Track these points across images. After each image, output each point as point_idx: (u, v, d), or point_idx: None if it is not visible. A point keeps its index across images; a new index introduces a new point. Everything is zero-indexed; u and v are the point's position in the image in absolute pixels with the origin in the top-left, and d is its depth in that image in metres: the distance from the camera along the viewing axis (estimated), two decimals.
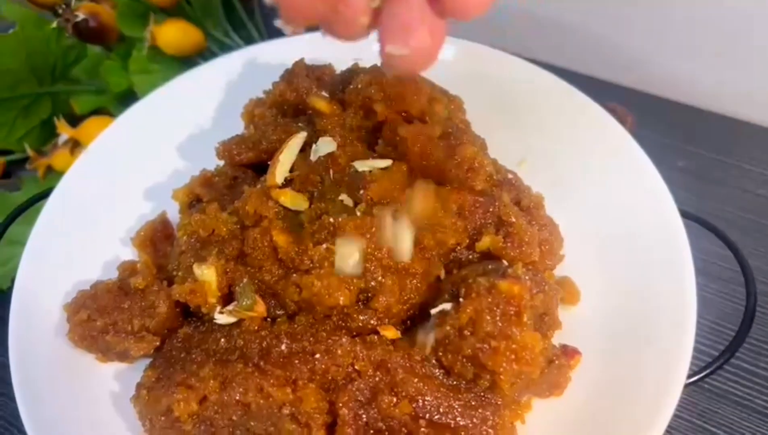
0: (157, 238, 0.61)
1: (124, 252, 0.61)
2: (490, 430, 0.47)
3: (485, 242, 0.53)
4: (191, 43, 0.77)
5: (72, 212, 0.62)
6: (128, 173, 0.66)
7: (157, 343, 0.54)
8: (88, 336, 0.54)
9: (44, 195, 0.64)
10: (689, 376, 0.50)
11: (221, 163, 0.63)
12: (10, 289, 0.56)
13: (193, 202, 0.61)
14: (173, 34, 0.76)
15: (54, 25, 0.71)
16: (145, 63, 0.76)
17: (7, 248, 0.73)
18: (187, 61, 0.77)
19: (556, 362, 0.52)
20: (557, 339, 0.54)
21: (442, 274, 0.53)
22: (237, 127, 0.66)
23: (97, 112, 0.78)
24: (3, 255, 0.73)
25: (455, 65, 0.65)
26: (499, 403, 0.48)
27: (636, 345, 0.53)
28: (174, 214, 0.63)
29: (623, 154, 0.63)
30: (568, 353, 0.54)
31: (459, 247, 0.54)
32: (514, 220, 0.54)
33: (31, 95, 0.75)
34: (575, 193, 0.63)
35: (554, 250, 0.57)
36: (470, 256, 0.54)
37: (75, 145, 0.75)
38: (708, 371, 0.52)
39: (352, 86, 0.56)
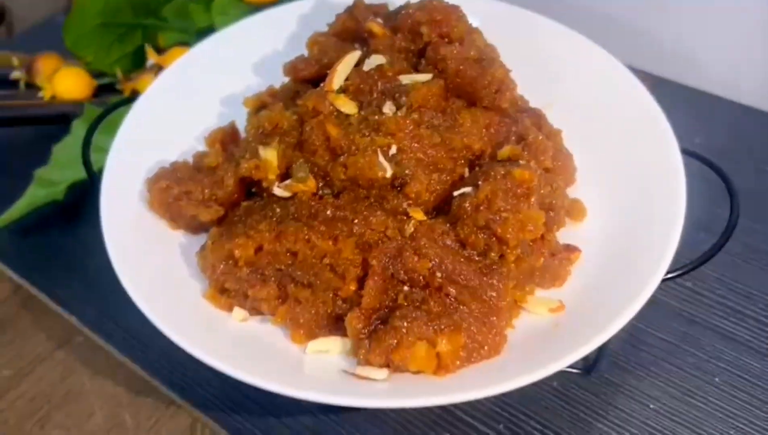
0: (226, 139, 0.72)
1: (199, 148, 0.72)
2: (493, 293, 0.56)
3: (506, 151, 0.62)
4: None
5: (155, 115, 0.73)
6: (204, 88, 0.77)
7: (222, 213, 0.64)
8: (165, 202, 0.64)
9: (129, 100, 0.76)
10: (669, 273, 0.58)
11: (286, 82, 0.74)
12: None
13: (260, 108, 0.71)
14: None
15: None
16: (226, 6, 0.88)
17: (93, 154, 0.85)
18: (261, 9, 0.88)
19: (558, 256, 0.61)
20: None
21: (466, 173, 0.62)
22: None
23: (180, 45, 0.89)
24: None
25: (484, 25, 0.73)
26: (504, 274, 0.57)
27: (630, 249, 0.61)
28: (242, 125, 0.73)
29: (636, 101, 0.71)
30: (570, 249, 0.62)
31: (483, 155, 0.63)
32: (532, 135, 0.63)
33: (127, 25, 0.87)
34: (589, 133, 0.72)
35: (567, 169, 0.66)
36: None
37: (159, 71, 0.86)
38: (686, 270, 0.59)
39: (403, 11, 0.66)
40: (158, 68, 0.86)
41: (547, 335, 0.57)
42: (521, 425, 0.63)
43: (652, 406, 0.66)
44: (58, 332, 0.80)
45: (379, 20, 0.68)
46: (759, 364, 0.68)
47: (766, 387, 0.67)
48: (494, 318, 0.55)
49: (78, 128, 0.85)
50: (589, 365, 0.68)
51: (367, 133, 0.61)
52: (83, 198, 0.85)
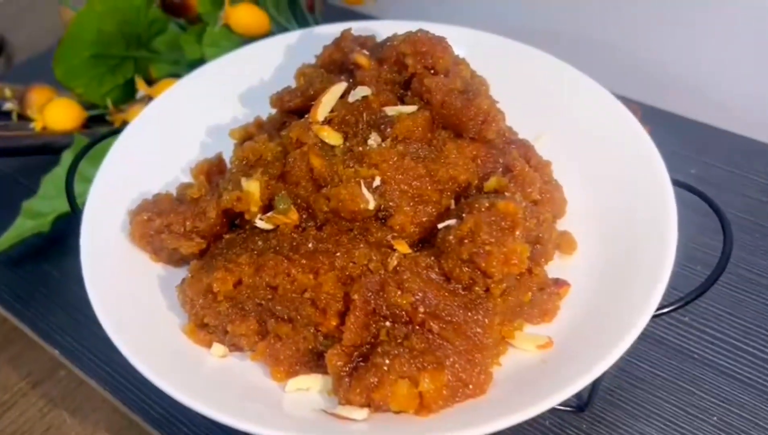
0: (212, 171, 0.71)
1: (184, 179, 0.71)
2: (478, 329, 0.54)
3: (492, 183, 0.60)
4: (258, 25, 0.88)
5: (141, 145, 0.72)
6: (191, 120, 0.76)
7: (204, 245, 0.63)
8: (146, 234, 0.63)
9: (117, 131, 0.75)
10: (663, 307, 0.56)
11: (273, 113, 0.73)
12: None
13: (246, 139, 0.71)
14: (244, 15, 0.87)
15: None
16: (217, 38, 0.88)
17: (78, 184, 0.84)
18: (252, 41, 0.89)
19: (547, 290, 0.59)
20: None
21: (452, 205, 0.61)
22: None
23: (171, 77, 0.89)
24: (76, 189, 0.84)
25: (473, 55, 0.72)
26: (489, 309, 0.55)
27: (620, 282, 0.60)
28: (229, 157, 0.73)
29: (626, 132, 0.70)
30: (559, 284, 0.60)
31: (469, 187, 0.62)
32: (519, 166, 0.62)
33: (119, 57, 0.87)
34: (579, 165, 0.70)
35: (556, 201, 0.65)
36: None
37: (149, 102, 0.86)
38: (680, 304, 0.58)
39: (388, 43, 0.65)
40: (148, 99, 0.86)
41: (534, 373, 0.55)
42: None
43: None
44: (42, 365, 0.79)
45: (366, 52, 0.67)
46: (757, 401, 0.66)
47: (765, 426, 0.64)
48: (479, 355, 0.53)
49: (67, 159, 0.85)
50: (582, 403, 0.66)
51: (351, 165, 0.60)
52: (70, 230, 0.85)
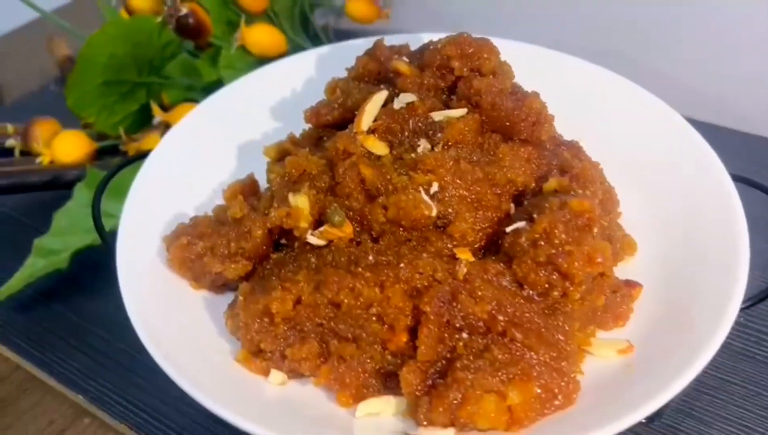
0: (245, 192, 0.67)
1: (216, 202, 0.67)
2: (560, 337, 0.51)
3: (552, 184, 0.58)
4: (275, 44, 0.86)
5: (169, 170, 0.69)
6: (216, 141, 0.73)
7: (250, 267, 0.59)
8: (186, 259, 0.59)
9: (137, 159, 0.72)
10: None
11: (305, 129, 0.70)
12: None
13: (282, 156, 0.67)
14: (260, 35, 0.85)
15: (159, 19, 0.80)
16: (233, 60, 0.85)
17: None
18: (269, 62, 0.86)
19: (620, 293, 0.56)
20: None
21: (512, 210, 0.58)
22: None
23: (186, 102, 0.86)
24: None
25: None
26: (568, 314, 0.52)
27: (690, 283, 0.57)
28: (260, 176, 0.69)
29: (670, 127, 0.68)
30: (630, 285, 0.57)
31: (526, 190, 0.59)
32: (578, 165, 0.59)
33: (131, 83, 0.84)
34: (628, 165, 0.68)
35: (612, 201, 0.62)
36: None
37: (166, 129, 0.82)
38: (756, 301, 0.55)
39: (432, 47, 0.63)
40: (165, 126, 0.83)
41: (620, 379, 0.52)
42: None
43: None
44: (64, 414, 0.73)
45: (405, 59, 0.65)
46: None
47: None
48: (565, 363, 0.49)
49: (81, 193, 0.80)
50: (651, 414, 0.63)
51: (403, 172, 0.57)
52: (86, 267, 0.80)
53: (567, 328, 0.51)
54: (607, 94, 0.74)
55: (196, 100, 0.86)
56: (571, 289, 0.51)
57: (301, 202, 0.57)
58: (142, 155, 0.70)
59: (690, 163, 0.65)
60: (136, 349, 0.71)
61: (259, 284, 0.56)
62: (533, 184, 0.59)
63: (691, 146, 0.66)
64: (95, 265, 0.81)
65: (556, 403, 0.49)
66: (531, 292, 0.52)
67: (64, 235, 0.78)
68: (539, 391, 0.48)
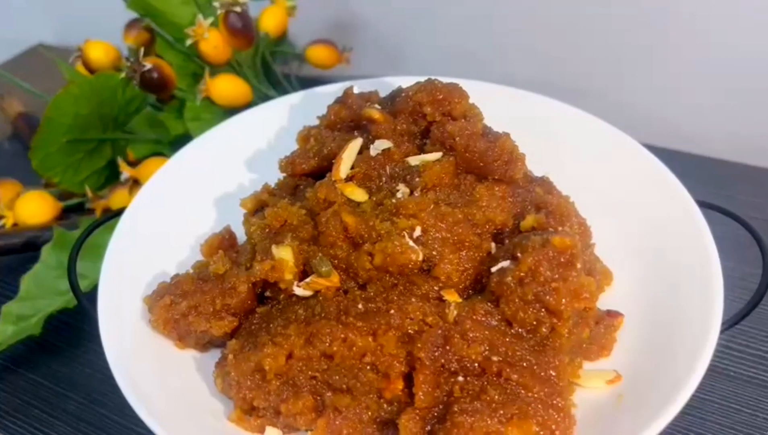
0: (223, 246, 0.67)
1: (195, 258, 0.67)
2: (552, 372, 0.51)
3: (529, 221, 0.59)
4: (240, 94, 0.86)
5: (144, 226, 0.68)
6: (190, 195, 0.72)
7: (236, 324, 0.58)
8: (171, 319, 0.58)
9: (110, 218, 0.70)
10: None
11: (280, 178, 0.70)
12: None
13: (258, 208, 0.67)
14: (225, 86, 0.85)
15: (123, 75, 0.80)
16: (199, 111, 0.85)
17: (63, 280, 0.78)
18: (235, 112, 0.86)
19: (603, 323, 0.58)
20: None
21: (493, 249, 0.59)
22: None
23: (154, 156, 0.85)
24: (62, 285, 0.77)
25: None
26: (557, 349, 0.53)
27: (669, 309, 0.59)
28: (237, 229, 0.69)
29: (635, 158, 0.71)
30: (612, 315, 0.59)
31: (505, 229, 0.61)
32: (554, 202, 0.61)
33: (96, 140, 0.83)
34: (596, 197, 0.70)
35: (587, 234, 0.64)
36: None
37: (134, 185, 0.82)
38: (732, 323, 0.57)
39: (403, 94, 0.64)
40: (133, 181, 0.82)
41: (612, 410, 0.53)
42: None
43: None
44: None
45: (377, 106, 0.66)
46: None
47: None
48: (559, 399, 0.50)
49: (49, 254, 0.79)
50: None
51: (386, 218, 0.57)
52: (58, 332, 0.78)
53: (557, 363, 0.52)
54: (571, 129, 0.76)
55: (163, 154, 0.86)
56: (559, 324, 0.52)
57: (285, 253, 0.57)
58: (116, 213, 0.69)
59: (656, 192, 0.67)
60: (118, 413, 0.70)
61: (248, 340, 0.56)
62: (511, 222, 0.61)
63: (655, 175, 0.68)
64: (68, 329, 0.79)
65: None
66: (520, 329, 0.53)
67: (34, 299, 0.76)
68: (537, 428, 0.48)
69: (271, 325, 0.56)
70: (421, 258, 0.55)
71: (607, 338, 0.58)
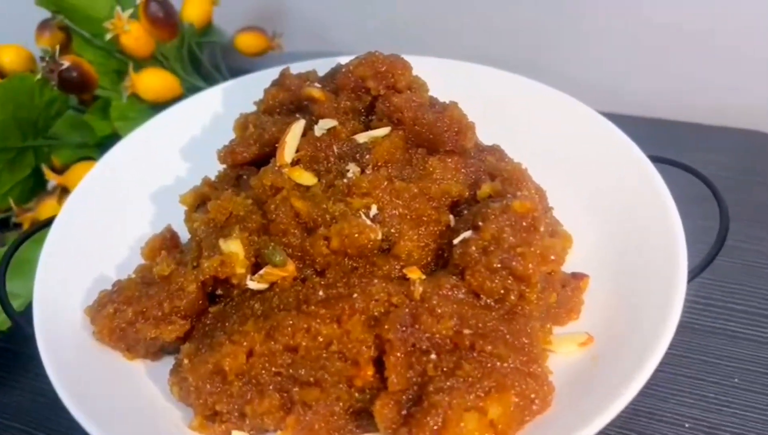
0: (165, 246, 0.63)
1: (135, 260, 0.62)
2: (525, 339, 0.50)
3: (485, 189, 0.57)
4: (168, 88, 0.82)
5: (78, 233, 0.63)
6: (123, 197, 0.68)
7: (188, 327, 0.54)
8: (116, 329, 0.54)
9: (39, 229, 0.65)
10: None
11: (221, 170, 0.66)
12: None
13: (199, 204, 0.63)
14: (151, 80, 0.80)
15: (39, 76, 0.74)
16: (125, 110, 0.80)
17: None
18: (164, 107, 0.81)
19: (569, 286, 0.57)
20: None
21: (452, 222, 0.57)
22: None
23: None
24: None
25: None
26: (527, 316, 0.51)
27: (633, 266, 0.58)
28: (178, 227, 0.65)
29: (584, 121, 0.70)
30: (577, 277, 0.58)
31: (461, 200, 0.59)
32: (508, 169, 0.59)
33: (15, 149, 0.77)
34: (548, 162, 0.69)
35: (544, 198, 0.63)
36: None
37: (63, 193, 0.76)
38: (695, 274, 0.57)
39: (344, 69, 0.62)
40: (61, 189, 0.76)
41: (589, 374, 0.51)
42: None
43: (687, 425, 0.62)
44: None
45: (317, 85, 0.63)
46: None
47: None
48: (535, 366, 0.49)
49: None
50: None
51: (339, 200, 0.55)
52: None
53: (529, 330, 0.50)
54: (515, 96, 0.74)
55: (92, 158, 0.80)
56: (527, 290, 0.50)
57: (234, 247, 0.54)
58: (43, 225, 0.63)
59: (607, 152, 0.66)
60: None
61: (203, 342, 0.52)
62: (466, 193, 0.59)
63: (604, 134, 0.68)
64: (5, 354, 0.73)
65: (534, 408, 0.48)
66: (488, 300, 0.51)
67: None
68: (516, 399, 0.47)
69: (227, 324, 0.52)
70: (380, 237, 0.53)
71: (575, 301, 0.57)
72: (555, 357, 0.54)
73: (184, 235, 0.64)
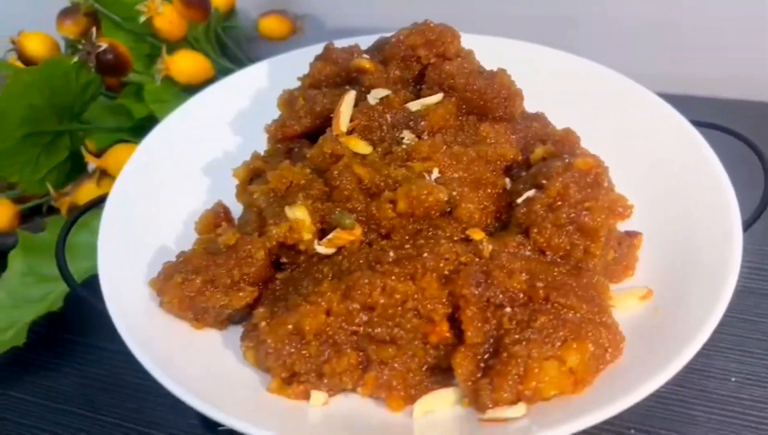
0: (218, 220, 0.63)
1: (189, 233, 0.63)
2: (592, 292, 0.51)
3: (538, 153, 0.59)
4: (201, 70, 0.82)
5: (131, 213, 0.63)
6: (172, 176, 0.68)
7: (257, 294, 0.55)
8: (185, 298, 0.54)
9: (100, 201, 0.65)
10: None
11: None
12: None
13: (252, 177, 0.64)
14: (185, 62, 0.81)
15: (75, 59, 0.74)
16: (159, 93, 0.80)
17: (38, 286, 0.72)
18: (196, 90, 0.82)
19: (625, 244, 0.58)
20: None
21: (508, 185, 0.58)
22: (259, 131, 0.70)
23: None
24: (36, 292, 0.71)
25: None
26: (592, 269, 0.52)
27: (684, 220, 0.59)
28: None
29: (621, 90, 0.71)
30: (631, 235, 0.59)
31: (514, 164, 0.60)
32: (561, 132, 0.60)
33: (52, 133, 0.76)
34: (591, 131, 0.69)
35: None
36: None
37: (102, 176, 0.76)
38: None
39: (394, 39, 0.62)
40: (100, 172, 0.76)
41: (652, 324, 0.53)
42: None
43: (733, 379, 0.64)
44: None
45: (366, 56, 0.64)
46: None
47: None
48: (606, 316, 0.50)
49: (17, 261, 0.72)
50: None
51: (399, 165, 0.56)
52: (36, 343, 0.71)
53: (595, 282, 0.52)
54: (556, 71, 0.74)
55: (127, 141, 0.80)
56: (592, 245, 0.52)
57: (300, 213, 0.54)
58: (101, 199, 0.63)
59: (646, 115, 0.67)
60: (128, 420, 0.65)
61: (276, 306, 0.53)
62: (519, 157, 0.60)
63: (641, 98, 0.69)
64: (47, 340, 0.73)
65: (607, 357, 0.49)
66: (553, 256, 0.53)
67: (8, 310, 0.70)
68: (593, 348, 0.48)
69: (299, 288, 0.53)
70: (446, 197, 0.53)
71: (630, 258, 0.58)
72: (615, 312, 0.56)
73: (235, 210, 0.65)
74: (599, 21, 0.98)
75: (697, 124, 0.66)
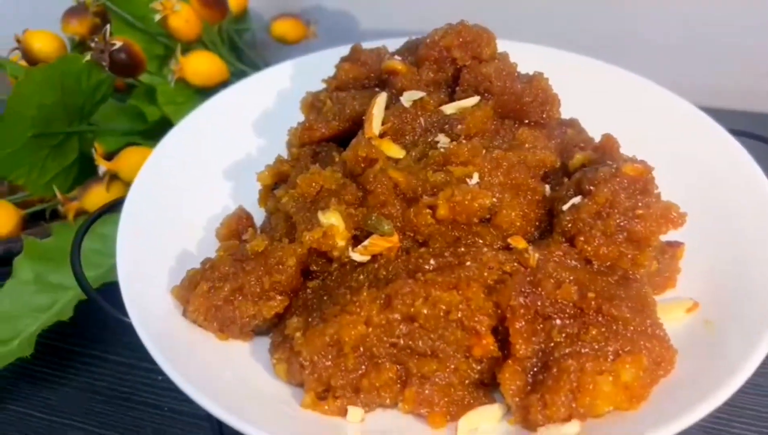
0: (240, 226, 0.61)
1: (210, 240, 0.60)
2: (641, 303, 0.49)
3: (579, 159, 0.57)
4: (216, 72, 0.79)
5: (149, 218, 0.60)
6: (191, 178, 0.65)
7: (287, 303, 0.52)
8: (211, 307, 0.51)
9: (119, 202, 0.62)
10: None
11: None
12: None
13: (277, 181, 0.61)
14: (200, 64, 0.78)
15: (88, 57, 0.71)
16: (173, 95, 0.77)
17: (46, 294, 0.68)
18: (209, 93, 0.79)
19: (667, 254, 0.56)
20: None
21: (547, 191, 0.56)
22: (279, 135, 0.68)
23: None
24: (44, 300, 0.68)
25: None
26: (639, 280, 0.50)
27: (728, 232, 0.57)
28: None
29: (658, 100, 0.68)
30: (673, 245, 0.57)
31: (550, 171, 0.58)
32: (602, 139, 0.58)
33: (61, 134, 0.73)
34: (630, 141, 0.66)
35: None
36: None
37: (112, 180, 0.73)
38: None
39: (428, 40, 0.60)
40: (110, 176, 0.73)
41: (704, 337, 0.51)
42: None
43: None
44: None
45: (398, 57, 0.61)
46: None
47: None
48: (658, 330, 0.48)
49: (22, 268, 0.69)
50: None
51: (436, 170, 0.53)
52: (41, 353, 0.68)
53: (644, 293, 0.49)
54: (587, 78, 0.71)
55: (137, 144, 0.77)
56: (640, 255, 0.50)
57: (334, 219, 0.52)
58: (120, 201, 0.60)
59: (685, 125, 0.66)
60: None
61: (310, 316, 0.50)
62: (558, 163, 0.58)
63: (678, 108, 0.67)
64: (52, 351, 0.69)
65: (660, 371, 0.47)
66: (599, 266, 0.50)
67: (14, 320, 0.66)
68: (647, 362, 0.46)
69: (334, 297, 0.50)
70: (491, 203, 0.51)
71: (672, 268, 0.56)
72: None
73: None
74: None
75: (734, 132, 0.64)
